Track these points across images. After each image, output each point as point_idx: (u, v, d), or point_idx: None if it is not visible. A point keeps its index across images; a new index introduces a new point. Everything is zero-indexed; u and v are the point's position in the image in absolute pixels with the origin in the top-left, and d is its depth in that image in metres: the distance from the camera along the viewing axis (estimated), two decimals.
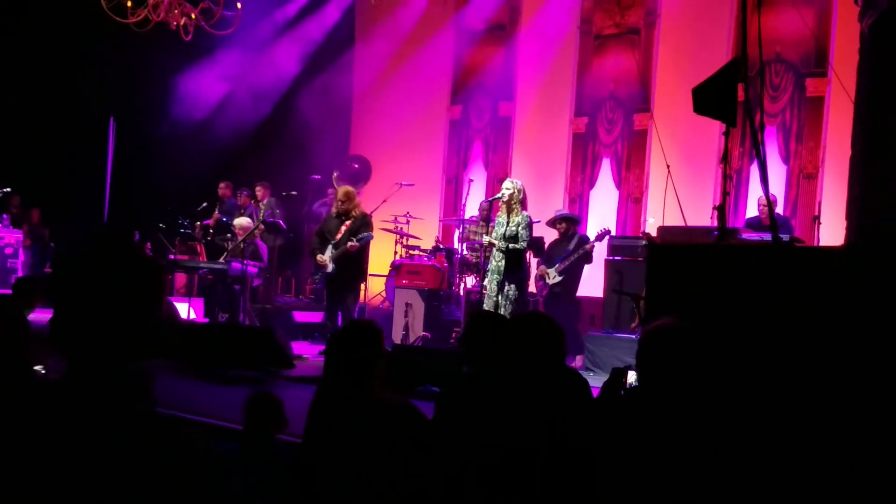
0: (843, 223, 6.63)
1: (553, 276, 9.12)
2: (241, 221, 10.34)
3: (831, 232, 8.46)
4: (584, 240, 9.29)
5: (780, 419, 3.18)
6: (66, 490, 1.71)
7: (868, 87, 4.29)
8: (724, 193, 5.48)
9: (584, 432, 2.72)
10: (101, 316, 1.85)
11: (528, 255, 8.49)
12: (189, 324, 9.46)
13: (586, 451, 2.69)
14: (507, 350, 2.98)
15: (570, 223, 9.43)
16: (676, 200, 6.41)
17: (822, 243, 8.62)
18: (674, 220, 8.45)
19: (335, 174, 12.61)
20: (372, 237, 8.75)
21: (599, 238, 9.22)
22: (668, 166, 7.35)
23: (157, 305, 2.01)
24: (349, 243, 8.62)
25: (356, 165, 12.92)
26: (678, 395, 2.70)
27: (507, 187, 8.07)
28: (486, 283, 8.18)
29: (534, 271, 9.21)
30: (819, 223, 8.76)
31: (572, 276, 9.19)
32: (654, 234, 8.68)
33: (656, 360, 2.75)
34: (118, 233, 10.42)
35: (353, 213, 8.83)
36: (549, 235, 9.84)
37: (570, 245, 9.21)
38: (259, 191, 11.65)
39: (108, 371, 1.83)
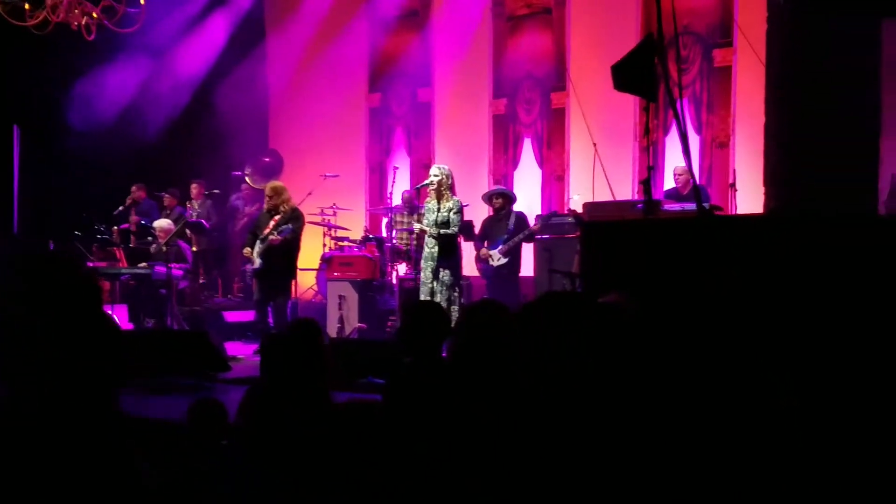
0: (757, 189, 6.84)
1: (498, 259, 9.17)
2: (162, 223, 10.16)
3: (747, 198, 8.71)
4: (523, 218, 9.36)
5: (714, 391, 3.27)
6: None
7: (782, 57, 4.42)
8: (649, 167, 5.59)
9: (539, 418, 2.74)
10: (44, 332, 1.81)
11: (459, 239, 8.54)
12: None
13: (542, 436, 2.71)
14: (459, 340, 2.99)
15: (506, 199, 9.49)
16: (605, 177, 6.51)
17: (739, 209, 8.89)
18: (597, 196, 8.59)
19: (248, 169, 12.48)
20: (291, 229, 8.66)
21: (546, 219, 9.28)
22: (594, 144, 7.47)
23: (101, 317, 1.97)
24: (270, 237, 8.59)
25: (267, 159, 12.81)
26: (630, 375, 2.75)
27: (435, 174, 8.10)
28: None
29: (465, 254, 9.25)
30: (735, 190, 9.00)
31: (515, 256, 9.27)
32: (579, 210, 8.82)
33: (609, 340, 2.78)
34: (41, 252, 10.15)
35: (283, 209, 8.79)
36: (477, 217, 9.89)
37: (510, 224, 9.26)
38: (194, 189, 11.48)
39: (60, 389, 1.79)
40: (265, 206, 9.01)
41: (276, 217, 8.76)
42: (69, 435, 1.76)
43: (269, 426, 3.45)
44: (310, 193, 10.60)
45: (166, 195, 11.45)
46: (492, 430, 2.57)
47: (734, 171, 9.66)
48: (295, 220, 8.76)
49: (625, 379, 2.66)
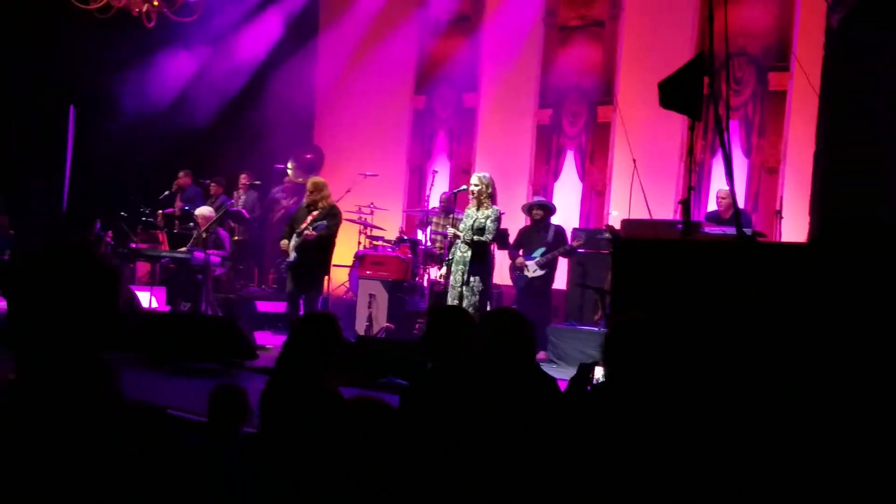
0: (805, 218, 6.73)
1: (534, 270, 9.13)
2: (203, 211, 10.29)
3: (793, 226, 8.55)
4: (562, 232, 9.31)
5: (745, 412, 3.22)
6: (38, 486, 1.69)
7: (835, 82, 4.33)
8: (689, 188, 5.53)
9: (551, 429, 2.73)
10: (54, 314, 1.84)
11: (492, 246, 8.51)
12: (151, 313, 9.37)
13: (554, 447, 2.69)
14: (478, 346, 2.98)
15: (545, 211, 9.45)
16: (643, 194, 6.45)
17: (783, 238, 8.73)
18: (637, 213, 8.50)
19: (291, 163, 12.58)
20: (326, 226, 8.69)
21: (590, 235, 9.26)
22: (634, 160, 7.39)
23: (111, 305, 1.98)
24: (305, 232, 8.64)
25: (309, 155, 12.89)
26: (646, 389, 2.71)
27: (475, 183, 8.07)
28: (440, 273, 8.20)
29: (497, 264, 9.21)
30: (781, 217, 8.84)
31: (551, 269, 9.23)
32: (617, 226, 8.74)
33: (624, 354, 2.77)
34: (74, 235, 10.36)
35: (321, 205, 8.83)
36: (513, 225, 9.84)
37: (548, 236, 9.21)
38: (242, 179, 11.58)
39: (65, 366, 1.81)
40: (305, 200, 9.06)
41: (314, 213, 8.81)
42: (67, 420, 1.78)
43: (278, 419, 3.46)
44: (348, 191, 10.65)
45: (212, 183, 11.61)
46: (504, 433, 2.56)
47: (782, 197, 9.49)
48: (332, 217, 8.79)
49: (636, 389, 2.63)
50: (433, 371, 3.72)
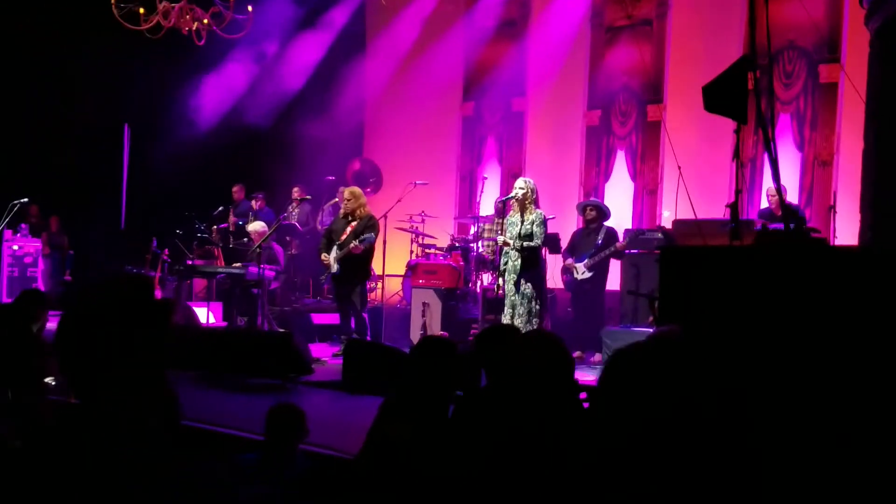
0: (858, 213, 6.60)
1: (582, 272, 9.10)
2: (256, 226, 10.40)
3: (847, 221, 8.39)
4: (613, 234, 9.25)
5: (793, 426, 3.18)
6: None
7: (878, 88, 4.26)
8: (737, 191, 5.47)
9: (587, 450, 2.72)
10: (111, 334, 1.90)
11: (543, 251, 8.49)
12: (208, 330, 9.51)
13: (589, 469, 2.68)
14: (514, 369, 3.00)
15: (599, 212, 9.40)
16: (688, 198, 6.39)
17: (837, 233, 8.57)
18: (689, 212, 8.41)
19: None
20: (373, 238, 8.73)
21: (633, 237, 9.21)
22: (679, 167, 7.30)
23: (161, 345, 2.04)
24: (352, 245, 8.65)
25: (362, 166, 12.95)
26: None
27: (520, 186, 8.07)
28: (500, 282, 8.18)
29: (550, 267, 9.18)
30: (834, 212, 8.68)
31: (601, 271, 9.17)
32: (669, 226, 8.66)
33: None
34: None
35: (359, 214, 8.87)
36: (565, 229, 9.81)
37: (599, 238, 9.17)
38: (295, 192, 11.66)
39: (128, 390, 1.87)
40: (342, 210, 9.10)
41: (353, 223, 8.84)
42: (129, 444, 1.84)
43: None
44: (399, 200, 10.70)
45: (257, 198, 11.77)
46: (534, 454, 2.57)
47: (835, 192, 9.32)
48: (372, 227, 8.81)
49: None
50: (483, 389, 3.75)
